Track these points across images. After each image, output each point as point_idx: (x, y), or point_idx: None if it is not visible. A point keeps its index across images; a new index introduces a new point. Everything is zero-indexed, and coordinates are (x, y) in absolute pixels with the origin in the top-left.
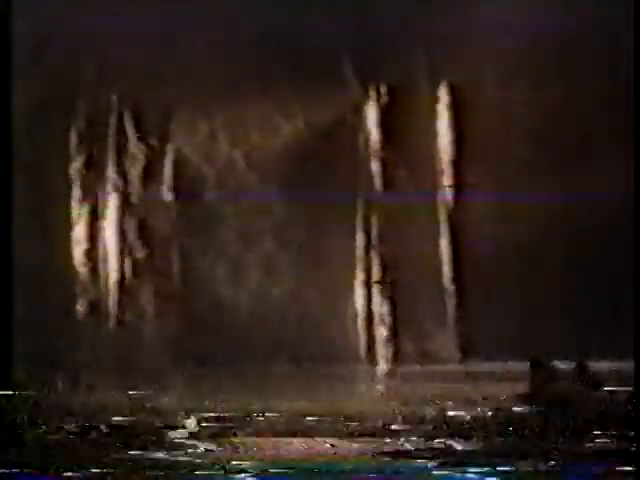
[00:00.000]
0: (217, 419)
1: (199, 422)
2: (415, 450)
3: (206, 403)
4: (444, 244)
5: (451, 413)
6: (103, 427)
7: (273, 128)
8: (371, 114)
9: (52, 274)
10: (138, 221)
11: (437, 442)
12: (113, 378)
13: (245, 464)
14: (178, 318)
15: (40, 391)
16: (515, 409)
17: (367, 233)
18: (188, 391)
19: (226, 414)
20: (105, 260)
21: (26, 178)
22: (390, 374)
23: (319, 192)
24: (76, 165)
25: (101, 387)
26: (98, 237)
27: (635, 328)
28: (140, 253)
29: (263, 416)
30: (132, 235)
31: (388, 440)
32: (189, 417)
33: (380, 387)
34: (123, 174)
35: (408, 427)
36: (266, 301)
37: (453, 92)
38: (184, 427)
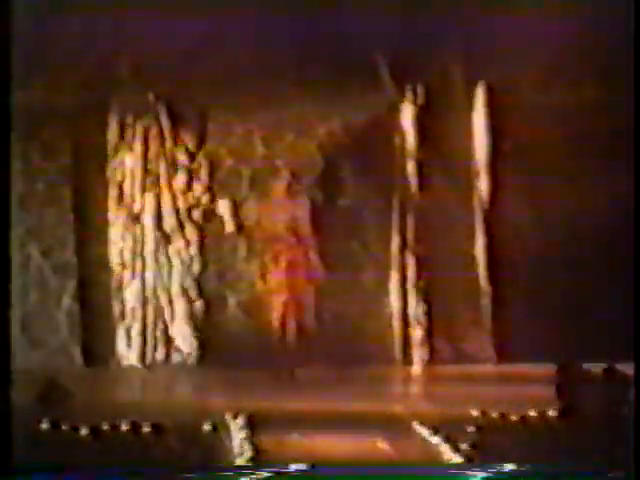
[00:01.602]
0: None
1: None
2: (450, 452)
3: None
4: (480, 244)
5: (486, 414)
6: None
7: (308, 129)
8: (407, 115)
9: None
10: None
11: (472, 444)
12: None
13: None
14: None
15: None
16: (550, 413)
17: (402, 234)
18: (225, 391)
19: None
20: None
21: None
22: (425, 375)
23: (354, 193)
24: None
25: None
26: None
27: (635, 327)
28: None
29: (297, 415)
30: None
31: (422, 442)
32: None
33: (415, 387)
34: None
35: (442, 428)
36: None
37: (490, 93)
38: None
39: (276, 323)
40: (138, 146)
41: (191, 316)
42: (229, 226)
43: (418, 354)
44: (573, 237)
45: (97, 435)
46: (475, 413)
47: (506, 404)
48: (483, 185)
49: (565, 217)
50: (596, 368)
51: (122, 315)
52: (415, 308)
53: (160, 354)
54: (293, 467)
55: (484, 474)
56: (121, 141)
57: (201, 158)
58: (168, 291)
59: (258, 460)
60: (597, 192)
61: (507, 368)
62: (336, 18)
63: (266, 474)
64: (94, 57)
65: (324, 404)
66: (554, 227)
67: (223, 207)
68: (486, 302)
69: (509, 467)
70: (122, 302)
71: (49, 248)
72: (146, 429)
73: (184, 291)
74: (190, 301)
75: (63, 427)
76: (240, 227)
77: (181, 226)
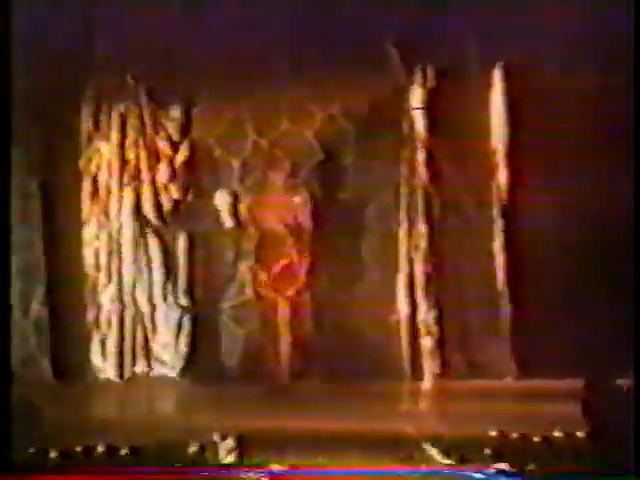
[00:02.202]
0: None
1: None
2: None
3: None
4: (498, 244)
5: (505, 435)
6: None
7: (306, 115)
8: (416, 98)
9: None
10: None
11: (489, 467)
12: None
13: None
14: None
15: None
16: (577, 434)
17: (410, 232)
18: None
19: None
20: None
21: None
22: (437, 390)
23: (357, 187)
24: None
25: None
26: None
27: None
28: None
29: (292, 436)
30: None
31: (434, 463)
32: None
33: (425, 404)
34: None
35: (456, 450)
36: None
37: (509, 76)
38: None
39: (270, 332)
40: (115, 135)
41: (175, 324)
42: (220, 223)
43: (428, 367)
44: (606, 236)
45: (68, 458)
46: (493, 433)
47: (527, 424)
48: (501, 177)
49: (596, 213)
50: (629, 383)
51: (97, 323)
52: (425, 315)
53: (140, 367)
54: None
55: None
56: (95, 129)
57: (186, 147)
58: (149, 296)
59: None
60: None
61: (529, 383)
62: None
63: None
64: (64, 35)
65: (323, 423)
66: (583, 224)
67: (214, 202)
68: (505, 308)
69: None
70: (97, 308)
71: (14, 248)
72: (124, 451)
73: (167, 296)
74: (174, 307)
75: (30, 450)
76: (231, 225)
77: (164, 223)
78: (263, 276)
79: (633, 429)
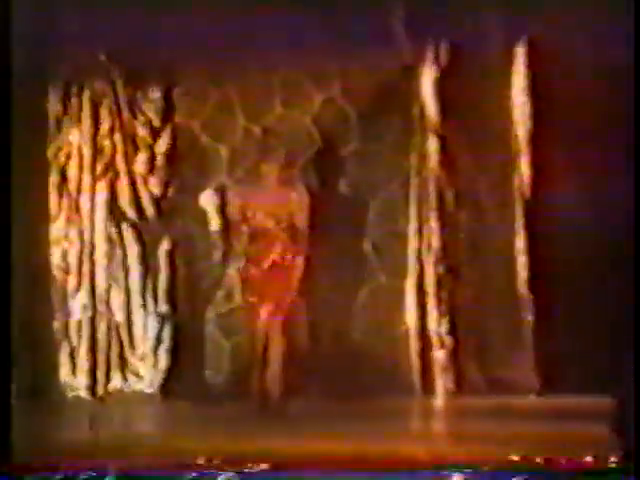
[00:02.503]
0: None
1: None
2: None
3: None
4: (520, 244)
5: (529, 459)
6: None
7: (302, 97)
8: (427, 79)
9: None
10: None
11: None
12: None
13: None
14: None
15: None
16: (610, 457)
17: (421, 231)
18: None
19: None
20: None
21: None
22: (451, 408)
23: (359, 178)
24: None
25: None
26: None
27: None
28: None
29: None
30: None
31: None
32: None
33: (438, 424)
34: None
35: (473, 476)
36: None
37: (533, 53)
38: None
39: (261, 343)
40: (87, 120)
41: (154, 334)
42: (209, 222)
43: (441, 382)
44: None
45: None
46: (515, 457)
47: (553, 446)
48: (524, 169)
49: (631, 210)
50: None
51: (66, 332)
52: (437, 324)
53: (115, 382)
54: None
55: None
56: (65, 113)
57: (168, 134)
58: (125, 302)
59: None
60: None
61: (555, 401)
62: None
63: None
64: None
65: (321, 446)
66: (617, 221)
67: (199, 202)
68: (527, 316)
69: None
70: (66, 316)
71: None
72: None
73: (146, 303)
74: (153, 315)
75: None
76: (218, 228)
77: (143, 221)
78: (254, 280)
79: (633, 428)
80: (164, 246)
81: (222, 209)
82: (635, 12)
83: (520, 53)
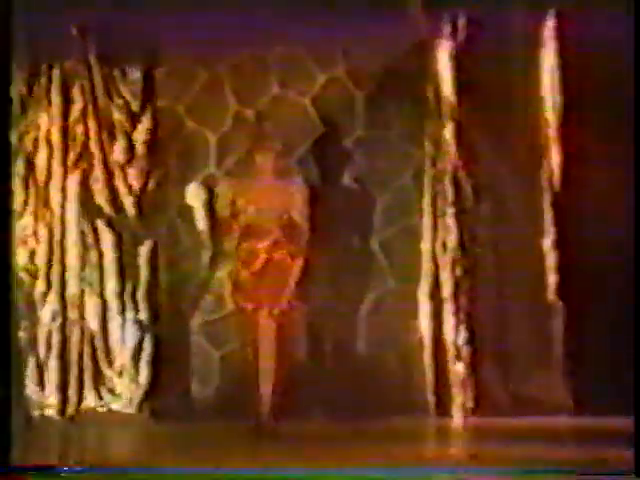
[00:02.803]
0: None
1: None
2: None
3: None
4: (548, 241)
5: None
6: None
7: (301, 76)
8: (442, 57)
9: None
10: None
11: None
12: None
13: None
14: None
15: None
16: None
17: (435, 229)
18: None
19: None
20: None
21: None
22: (469, 429)
23: (365, 170)
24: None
25: None
26: None
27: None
28: None
29: None
30: None
31: None
32: None
33: (455, 447)
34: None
35: None
36: None
37: (564, 28)
38: None
39: (253, 354)
40: (56, 102)
41: (134, 345)
42: (196, 218)
43: (458, 400)
44: None
45: None
46: None
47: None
48: (553, 157)
49: None
50: None
51: (33, 344)
52: (454, 334)
53: (88, 400)
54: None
55: None
56: (31, 95)
57: (148, 119)
58: (101, 309)
59: None
60: None
61: (587, 421)
62: None
63: None
64: None
65: (321, 472)
66: None
67: (185, 197)
68: (557, 325)
69: None
70: (33, 325)
71: None
72: None
73: (124, 309)
74: (132, 324)
75: None
76: (206, 226)
77: (121, 217)
78: (246, 284)
79: (634, 429)
80: (145, 246)
81: (210, 204)
82: (635, 12)
83: (548, 28)
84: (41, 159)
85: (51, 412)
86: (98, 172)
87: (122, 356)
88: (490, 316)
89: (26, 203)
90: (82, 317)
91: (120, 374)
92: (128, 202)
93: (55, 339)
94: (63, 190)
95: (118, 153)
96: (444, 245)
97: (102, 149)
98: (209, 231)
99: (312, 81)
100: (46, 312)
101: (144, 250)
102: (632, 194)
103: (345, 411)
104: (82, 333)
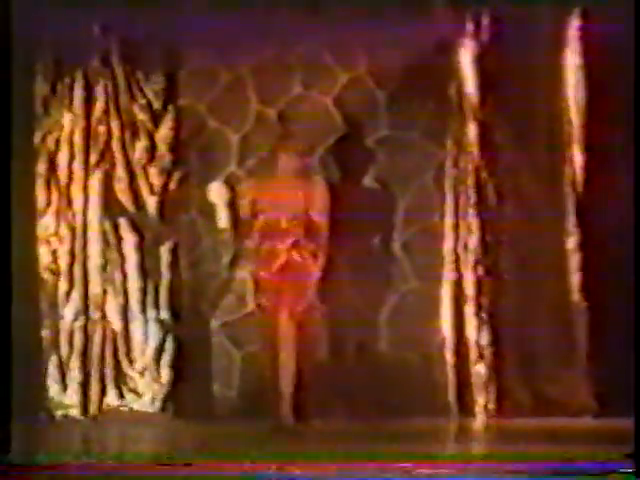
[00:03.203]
0: None
1: None
2: None
3: None
4: (572, 242)
5: None
6: None
7: (323, 75)
8: (466, 56)
9: None
10: None
11: None
12: None
13: None
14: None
15: None
16: None
17: (457, 230)
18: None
19: None
20: None
21: None
22: (492, 430)
23: (387, 170)
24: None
25: None
26: None
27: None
28: None
29: None
30: None
31: None
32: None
33: (478, 448)
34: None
35: None
36: None
37: (589, 27)
38: None
39: (275, 355)
40: (79, 102)
41: (156, 344)
42: (217, 218)
43: (481, 401)
44: None
45: None
46: None
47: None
48: (577, 157)
49: None
50: None
51: (55, 343)
52: (476, 335)
53: (110, 400)
54: None
55: None
56: (54, 95)
57: (170, 118)
58: (123, 308)
59: None
60: None
61: (612, 423)
62: None
63: None
64: None
65: (341, 474)
66: None
67: (207, 195)
68: (581, 326)
69: None
70: (55, 324)
71: None
72: None
73: (146, 309)
74: (154, 323)
75: None
76: (228, 225)
77: (143, 216)
78: (267, 284)
79: (634, 429)
80: (166, 245)
81: (232, 203)
82: (635, 12)
83: (573, 27)
84: (63, 159)
85: (73, 411)
86: (120, 172)
87: (144, 356)
88: (513, 317)
89: (48, 203)
90: (104, 317)
91: (142, 374)
92: (150, 202)
93: (77, 339)
94: (85, 190)
95: (140, 153)
96: (466, 245)
97: (124, 149)
98: (230, 230)
99: (334, 81)
100: (68, 312)
101: (165, 249)
102: (632, 194)
103: (366, 411)
104: (104, 333)
